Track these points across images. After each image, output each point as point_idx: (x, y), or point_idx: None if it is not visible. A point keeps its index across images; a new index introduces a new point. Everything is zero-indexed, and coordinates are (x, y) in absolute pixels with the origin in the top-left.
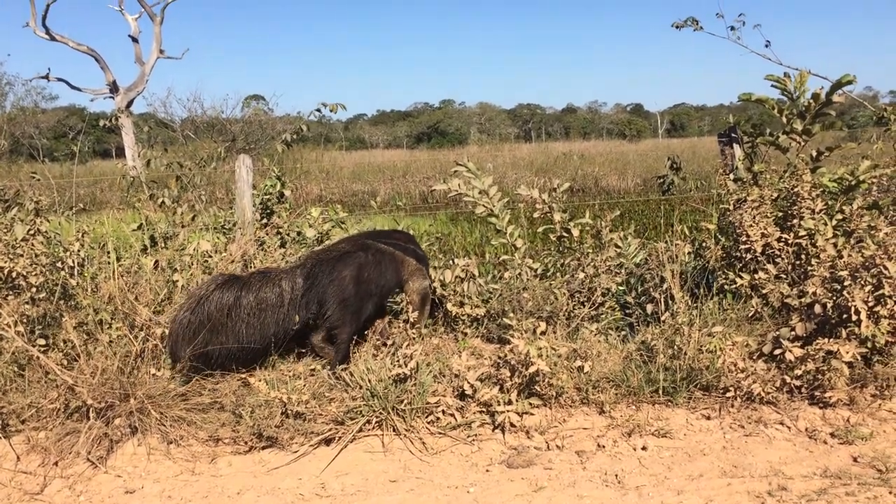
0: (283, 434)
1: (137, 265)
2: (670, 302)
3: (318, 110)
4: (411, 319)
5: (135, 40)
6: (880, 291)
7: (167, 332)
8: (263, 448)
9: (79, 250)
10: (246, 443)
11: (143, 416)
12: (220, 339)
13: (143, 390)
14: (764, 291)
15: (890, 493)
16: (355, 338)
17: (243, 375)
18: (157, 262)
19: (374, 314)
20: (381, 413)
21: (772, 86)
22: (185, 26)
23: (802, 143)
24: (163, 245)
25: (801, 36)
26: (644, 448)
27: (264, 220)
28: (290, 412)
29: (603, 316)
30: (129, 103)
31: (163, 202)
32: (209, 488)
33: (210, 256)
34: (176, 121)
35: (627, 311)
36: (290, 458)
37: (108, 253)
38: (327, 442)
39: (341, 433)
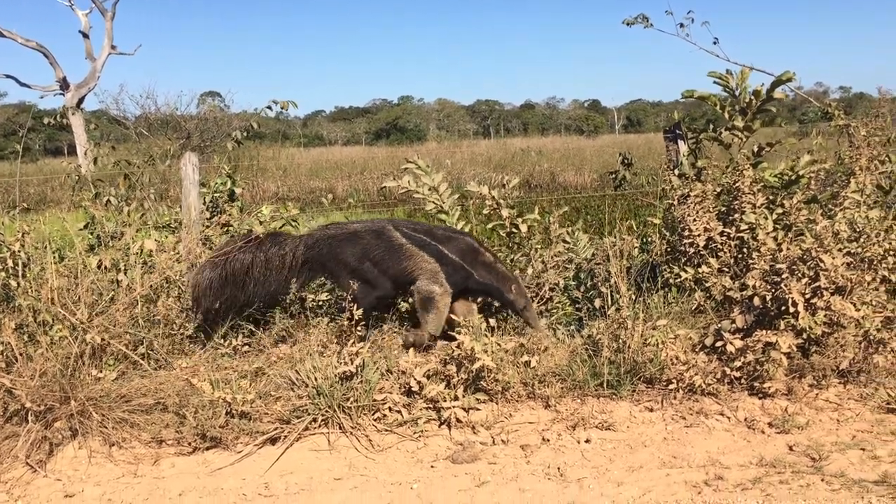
0: (227, 434)
1: (82, 265)
2: (617, 296)
3: (269, 107)
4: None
5: (85, 36)
6: (817, 283)
7: (191, 283)
8: (207, 449)
9: (19, 250)
10: (190, 444)
11: (85, 418)
12: (234, 292)
13: (84, 392)
14: (707, 285)
15: (822, 480)
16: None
17: (186, 376)
18: (100, 261)
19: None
20: (327, 411)
21: (714, 82)
22: (137, 22)
23: (744, 139)
24: (108, 245)
25: (756, 33)
26: (588, 441)
27: (214, 218)
28: (234, 412)
29: (553, 311)
30: (81, 100)
31: (108, 201)
32: (151, 490)
33: (152, 255)
34: (129, 118)
35: (578, 306)
36: (235, 458)
37: (50, 253)
38: (273, 441)
39: (287, 432)
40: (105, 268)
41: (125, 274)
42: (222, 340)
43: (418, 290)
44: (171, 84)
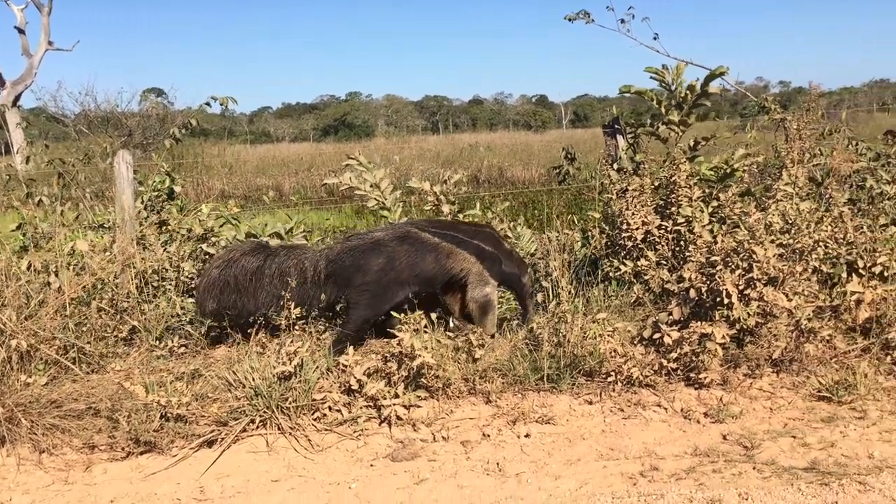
0: (162, 438)
1: (13, 267)
2: (558, 290)
3: (208, 104)
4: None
5: (21, 31)
6: (750, 275)
7: (197, 284)
8: (142, 453)
9: None
10: (123, 449)
11: (13, 425)
12: (241, 299)
13: (12, 398)
14: (646, 278)
15: (754, 468)
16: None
17: (119, 379)
18: (30, 263)
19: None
20: (265, 412)
21: (651, 77)
22: (75, 17)
23: (680, 134)
24: (40, 246)
25: (702, 29)
26: (527, 435)
27: (152, 218)
28: (169, 415)
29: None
30: (17, 97)
31: (41, 201)
32: (81, 497)
33: (84, 256)
34: (69, 115)
35: None
36: (170, 462)
37: None
38: (209, 444)
39: (224, 434)
40: (36, 270)
41: (56, 276)
42: (157, 342)
43: (473, 300)
44: (111, 81)
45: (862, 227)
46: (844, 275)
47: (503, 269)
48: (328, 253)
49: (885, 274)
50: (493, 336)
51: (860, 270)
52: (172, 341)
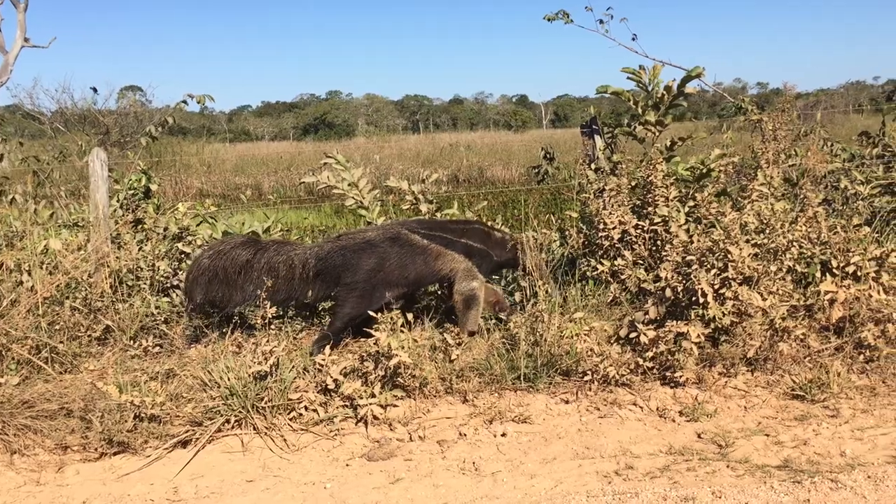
0: (135, 438)
1: None
2: (537, 289)
3: (185, 102)
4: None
5: None
6: (725, 274)
7: (185, 273)
8: (115, 454)
9: None
10: (96, 449)
11: None
12: (229, 291)
13: None
14: (622, 277)
15: (727, 466)
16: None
17: (93, 379)
18: (2, 262)
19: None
20: (240, 412)
21: (628, 78)
22: (52, 14)
23: (657, 134)
24: (10, 244)
25: (681, 30)
26: (504, 434)
27: (127, 216)
28: (143, 415)
29: None
30: None
31: (14, 199)
32: (53, 498)
33: (57, 255)
34: (45, 113)
35: None
36: (143, 462)
37: None
38: (184, 444)
39: (198, 434)
40: (8, 269)
41: (29, 275)
42: (132, 342)
43: (459, 292)
44: (89, 78)
45: (836, 228)
46: (818, 274)
47: (496, 261)
48: (318, 251)
49: (859, 274)
50: (473, 333)
51: (834, 270)
52: (147, 341)
